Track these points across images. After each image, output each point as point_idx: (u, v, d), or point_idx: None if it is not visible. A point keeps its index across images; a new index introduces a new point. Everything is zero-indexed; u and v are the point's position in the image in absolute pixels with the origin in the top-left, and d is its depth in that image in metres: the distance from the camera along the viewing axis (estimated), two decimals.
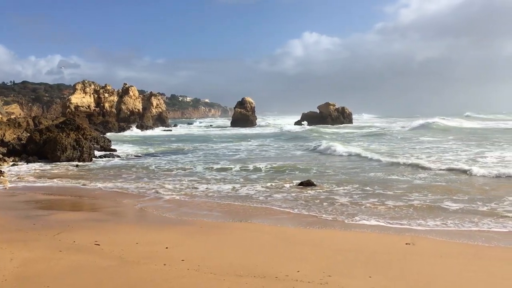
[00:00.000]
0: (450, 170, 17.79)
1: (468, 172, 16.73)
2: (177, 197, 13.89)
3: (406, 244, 8.33)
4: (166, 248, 7.91)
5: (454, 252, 7.90)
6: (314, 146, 30.05)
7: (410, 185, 14.94)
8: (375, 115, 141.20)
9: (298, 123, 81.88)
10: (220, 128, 74.14)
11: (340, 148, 26.35)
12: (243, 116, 79.77)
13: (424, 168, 18.56)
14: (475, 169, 16.83)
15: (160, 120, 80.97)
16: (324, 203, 12.48)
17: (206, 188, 15.22)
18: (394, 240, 8.74)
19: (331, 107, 79.89)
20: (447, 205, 11.77)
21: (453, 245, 8.40)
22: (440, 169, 18.03)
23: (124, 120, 70.20)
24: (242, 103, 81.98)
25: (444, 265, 7.09)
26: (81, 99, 66.67)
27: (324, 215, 11.13)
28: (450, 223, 10.08)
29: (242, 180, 16.96)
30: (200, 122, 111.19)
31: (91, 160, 23.91)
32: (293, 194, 13.86)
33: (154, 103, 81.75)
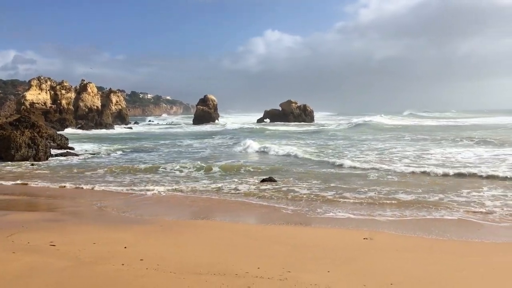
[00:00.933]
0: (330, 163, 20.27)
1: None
2: (138, 196, 13.68)
3: (364, 239, 8.52)
4: (125, 247, 7.77)
5: (410, 246, 8.15)
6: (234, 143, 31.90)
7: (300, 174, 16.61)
8: (333, 113, 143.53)
9: (260, 120, 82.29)
10: (181, 126, 73.43)
11: (255, 145, 28.54)
12: (205, 113, 79.39)
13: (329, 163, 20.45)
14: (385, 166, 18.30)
15: (120, 118, 79.32)
16: (287, 198, 12.62)
17: (167, 187, 15.04)
18: (353, 235, 8.92)
19: (293, 104, 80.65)
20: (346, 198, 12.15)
21: (409, 239, 8.67)
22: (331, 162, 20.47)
23: (82, 117, 68.35)
24: (204, 101, 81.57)
25: (400, 259, 7.30)
26: (37, 96, 64.34)
27: (284, 211, 11.25)
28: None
29: (204, 177, 16.89)
30: (162, 120, 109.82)
31: (47, 159, 23.16)
32: (254, 191, 13.92)
33: (114, 100, 79.92)
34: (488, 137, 31.56)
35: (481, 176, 15.53)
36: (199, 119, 77.92)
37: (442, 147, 26.39)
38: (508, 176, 15.14)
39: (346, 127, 55.16)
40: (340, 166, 19.01)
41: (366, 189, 13.71)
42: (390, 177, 16.03)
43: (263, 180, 15.33)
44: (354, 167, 18.46)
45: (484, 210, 10.97)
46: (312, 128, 58.72)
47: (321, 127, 57.81)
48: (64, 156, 24.87)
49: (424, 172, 16.63)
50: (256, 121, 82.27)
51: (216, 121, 79.67)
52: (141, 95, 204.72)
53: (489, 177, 15.30)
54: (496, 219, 10.19)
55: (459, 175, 15.97)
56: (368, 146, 28.90)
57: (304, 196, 13.03)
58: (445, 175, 16.10)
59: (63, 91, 67.50)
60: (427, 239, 8.66)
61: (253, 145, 28.70)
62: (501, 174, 15.44)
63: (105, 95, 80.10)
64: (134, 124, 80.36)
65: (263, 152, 26.64)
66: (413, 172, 16.79)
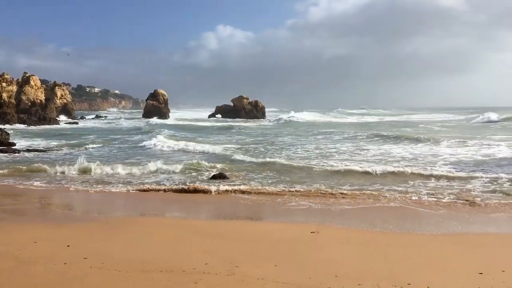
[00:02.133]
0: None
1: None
2: (82, 193, 13.26)
3: (312, 232, 8.67)
4: (68, 246, 7.50)
5: (355, 239, 8.37)
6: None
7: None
8: (286, 109, 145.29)
9: (211, 116, 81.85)
10: (130, 121, 71.69)
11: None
12: (156, 108, 77.99)
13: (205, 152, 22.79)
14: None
15: (66, 112, 76.53)
16: (235, 193, 12.65)
17: (112, 184, 14.67)
18: (300, 229, 9.06)
19: (245, 100, 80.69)
20: None
21: (353, 232, 8.91)
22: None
23: (24, 111, 65.22)
24: (154, 95, 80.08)
25: (345, 251, 7.50)
26: None
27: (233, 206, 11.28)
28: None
29: (153, 174, 16.59)
30: (109, 114, 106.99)
31: None
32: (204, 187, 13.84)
33: (59, 94, 76.91)
34: (391, 133, 32.72)
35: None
36: (149, 114, 76.41)
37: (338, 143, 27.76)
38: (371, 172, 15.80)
39: (272, 124, 56.09)
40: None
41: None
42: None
43: (213, 177, 15.25)
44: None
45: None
46: (220, 124, 57.53)
47: (236, 124, 56.57)
48: (4, 152, 23.67)
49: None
50: (207, 117, 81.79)
51: (170, 115, 78.64)
52: (88, 89, 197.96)
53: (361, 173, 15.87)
54: (435, 210, 10.69)
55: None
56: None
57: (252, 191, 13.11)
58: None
59: (4, 84, 64.09)
60: (371, 231, 8.94)
61: (160, 142, 27.70)
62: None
63: (50, 88, 76.93)
64: (80, 119, 77.75)
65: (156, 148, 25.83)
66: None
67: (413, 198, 12.02)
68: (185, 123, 60.48)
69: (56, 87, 78.11)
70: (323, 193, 12.60)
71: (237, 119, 70.98)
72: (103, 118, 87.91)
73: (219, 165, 17.70)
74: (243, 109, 78.97)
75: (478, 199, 11.71)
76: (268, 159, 19.40)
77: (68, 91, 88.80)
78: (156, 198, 12.62)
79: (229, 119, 71.65)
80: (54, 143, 29.63)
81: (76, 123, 64.73)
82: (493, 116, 55.23)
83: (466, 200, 11.58)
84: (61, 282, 5.88)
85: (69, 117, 73.71)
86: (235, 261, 6.71)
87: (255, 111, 79.87)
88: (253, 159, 19.56)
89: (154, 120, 67.18)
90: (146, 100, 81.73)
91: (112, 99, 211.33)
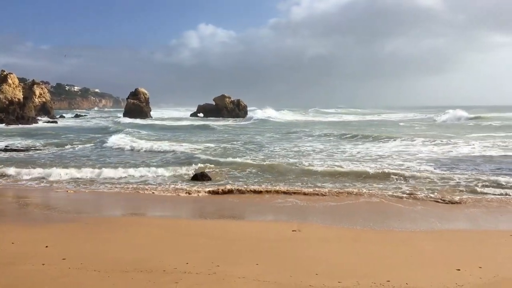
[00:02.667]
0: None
1: None
2: (62, 193, 13.07)
3: (293, 231, 8.70)
4: (46, 247, 7.40)
5: (336, 236, 8.44)
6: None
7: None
8: (260, 108, 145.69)
9: (194, 115, 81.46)
10: (111, 120, 70.82)
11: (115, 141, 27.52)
12: (137, 107, 77.14)
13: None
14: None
15: (44, 111, 75.25)
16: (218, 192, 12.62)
17: (94, 184, 14.50)
18: (282, 228, 9.08)
19: (227, 99, 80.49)
20: None
21: (334, 230, 8.98)
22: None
23: (2, 110, 63.86)
24: (135, 94, 79.18)
25: (326, 249, 7.55)
26: None
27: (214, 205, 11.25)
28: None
29: (132, 173, 16.41)
30: (89, 113, 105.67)
31: None
32: (184, 186, 13.78)
33: (37, 92, 75.54)
34: (357, 133, 33.14)
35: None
36: (130, 113, 75.58)
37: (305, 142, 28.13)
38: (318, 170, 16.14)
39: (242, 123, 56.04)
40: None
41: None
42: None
43: (194, 177, 15.16)
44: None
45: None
46: (196, 123, 56.26)
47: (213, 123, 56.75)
48: None
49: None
50: (189, 116, 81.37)
51: (151, 115, 77.95)
52: (67, 88, 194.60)
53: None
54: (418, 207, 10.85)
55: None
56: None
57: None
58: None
59: None
60: (351, 229, 9.02)
61: (117, 141, 27.30)
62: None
63: (28, 87, 75.48)
64: (59, 117, 76.56)
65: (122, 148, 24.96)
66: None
67: (392, 195, 12.16)
68: (156, 122, 59.67)
69: (35, 86, 76.74)
70: (305, 192, 12.65)
71: (216, 118, 70.87)
72: (84, 116, 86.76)
73: (198, 166, 17.54)
74: (225, 108, 78.77)
75: (456, 196, 11.91)
76: (238, 159, 19.09)
77: (47, 89, 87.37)
78: (137, 198, 12.50)
79: (210, 118, 71.51)
80: (37, 143, 28.85)
81: (55, 122, 63.75)
82: (460, 114, 56.66)
83: (442, 198, 11.77)
84: (39, 283, 5.79)
85: (48, 116, 72.50)
86: (216, 260, 6.70)
87: (238, 110, 79.75)
88: (227, 159, 19.11)
89: (126, 119, 65.87)
90: (127, 99, 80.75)
91: (92, 98, 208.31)
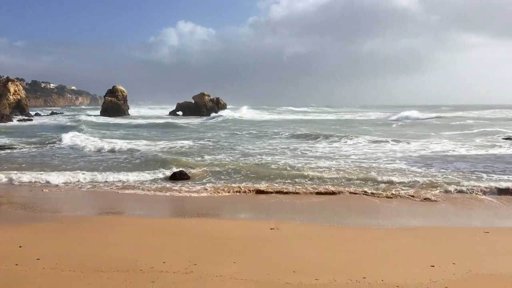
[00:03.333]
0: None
1: None
2: (36, 192, 12.83)
3: (271, 229, 8.73)
4: (20, 247, 7.25)
5: (313, 234, 8.50)
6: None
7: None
8: (248, 106, 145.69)
9: (172, 113, 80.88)
10: (88, 117, 69.75)
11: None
12: (114, 105, 76.15)
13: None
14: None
15: (19, 109, 73.61)
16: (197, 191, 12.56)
17: (68, 183, 14.26)
18: (260, 226, 9.11)
19: (206, 97, 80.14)
20: None
21: (312, 227, 9.04)
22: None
23: None
24: (113, 92, 78.13)
25: (304, 247, 7.59)
26: None
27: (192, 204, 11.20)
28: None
29: (108, 172, 16.19)
30: (66, 110, 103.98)
31: None
32: (160, 186, 13.69)
33: (12, 90, 73.81)
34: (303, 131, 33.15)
35: None
36: (107, 111, 74.55)
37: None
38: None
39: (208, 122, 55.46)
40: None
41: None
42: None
43: (173, 176, 15.03)
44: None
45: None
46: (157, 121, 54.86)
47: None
48: None
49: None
50: (168, 114, 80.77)
51: (130, 113, 77.01)
52: (43, 85, 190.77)
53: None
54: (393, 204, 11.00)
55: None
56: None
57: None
58: None
59: None
60: (329, 227, 9.10)
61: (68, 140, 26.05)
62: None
63: (2, 84, 73.81)
64: (35, 115, 75.07)
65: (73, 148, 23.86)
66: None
67: (367, 193, 12.30)
68: (123, 121, 57.76)
69: (9, 83, 74.95)
70: (283, 191, 12.70)
71: (189, 117, 70.52)
72: (60, 114, 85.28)
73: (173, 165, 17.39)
74: (204, 106, 78.43)
75: (429, 193, 12.12)
76: (206, 158, 18.97)
77: (22, 86, 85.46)
78: (114, 197, 12.37)
79: (181, 117, 71.25)
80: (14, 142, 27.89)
81: (31, 120, 62.50)
82: (413, 114, 58.04)
83: (416, 195, 11.97)
84: (12, 284, 5.67)
85: (23, 114, 70.98)
86: (194, 259, 6.67)
87: (217, 108, 79.50)
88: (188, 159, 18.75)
89: (84, 117, 63.94)
90: (104, 96, 79.65)
91: (68, 95, 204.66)
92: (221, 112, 71.36)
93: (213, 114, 69.83)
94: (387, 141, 25.08)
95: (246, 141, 28.38)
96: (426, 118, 54.29)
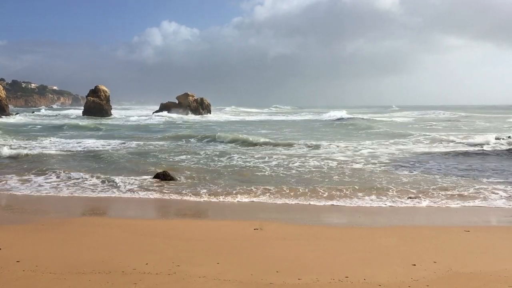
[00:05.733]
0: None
1: None
2: (18, 193, 12.62)
3: (255, 229, 8.73)
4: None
5: (297, 234, 8.51)
6: None
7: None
8: (232, 107, 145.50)
9: (156, 113, 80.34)
10: (70, 118, 68.85)
11: None
12: (97, 105, 75.28)
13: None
14: None
15: None
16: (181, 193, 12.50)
17: (50, 184, 14.07)
18: (244, 226, 9.09)
19: (190, 97, 79.80)
20: None
21: (296, 228, 9.05)
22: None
23: None
24: (95, 92, 77.19)
25: (287, 247, 7.60)
26: None
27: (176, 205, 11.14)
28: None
29: (91, 174, 16.02)
30: (46, 110, 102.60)
31: None
32: (145, 185, 13.59)
33: None
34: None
35: None
36: (89, 111, 73.68)
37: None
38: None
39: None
40: None
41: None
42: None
43: (156, 176, 14.91)
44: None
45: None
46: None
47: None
48: None
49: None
50: (151, 114, 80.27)
51: (112, 113, 76.18)
52: (24, 85, 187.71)
53: None
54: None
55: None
56: None
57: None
58: None
59: None
60: (312, 226, 9.13)
61: None
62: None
63: None
64: (16, 115, 73.85)
65: None
66: None
67: (349, 192, 12.40)
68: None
69: None
70: (267, 190, 12.72)
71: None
72: (41, 113, 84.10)
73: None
74: (189, 106, 78.09)
75: (410, 194, 12.27)
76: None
77: (2, 86, 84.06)
78: (96, 199, 12.23)
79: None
80: None
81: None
82: (341, 114, 60.31)
83: (381, 194, 12.11)
84: None
85: (3, 114, 69.78)
86: (177, 260, 6.64)
87: (201, 108, 79.26)
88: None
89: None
90: (87, 96, 78.73)
91: (50, 95, 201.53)
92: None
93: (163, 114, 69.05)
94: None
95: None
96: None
